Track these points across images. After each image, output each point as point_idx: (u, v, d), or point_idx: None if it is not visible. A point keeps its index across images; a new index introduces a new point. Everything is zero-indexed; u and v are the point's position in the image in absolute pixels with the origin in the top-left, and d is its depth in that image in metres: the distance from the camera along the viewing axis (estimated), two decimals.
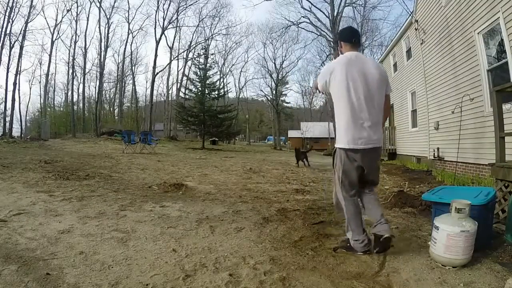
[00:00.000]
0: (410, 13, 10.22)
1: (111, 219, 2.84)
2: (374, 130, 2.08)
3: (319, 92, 2.29)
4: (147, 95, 38.71)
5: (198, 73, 21.83)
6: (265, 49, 63.13)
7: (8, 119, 21.31)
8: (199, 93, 20.90)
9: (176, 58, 33.13)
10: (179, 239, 2.37)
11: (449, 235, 1.89)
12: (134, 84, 37.06)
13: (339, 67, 2.08)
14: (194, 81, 22.60)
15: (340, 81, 2.05)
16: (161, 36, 29.38)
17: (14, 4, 20.74)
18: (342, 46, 2.25)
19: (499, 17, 4.92)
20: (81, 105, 31.82)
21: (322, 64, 33.43)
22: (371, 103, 2.07)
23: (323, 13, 25.79)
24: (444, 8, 7.08)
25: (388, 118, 13.36)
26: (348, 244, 2.20)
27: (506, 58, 4.83)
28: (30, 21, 23.30)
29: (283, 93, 43.02)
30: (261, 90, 52.88)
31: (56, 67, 45.26)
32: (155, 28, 29.57)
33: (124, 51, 32.96)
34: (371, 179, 2.25)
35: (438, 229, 1.95)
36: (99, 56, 27.43)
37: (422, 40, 8.69)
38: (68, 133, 25.45)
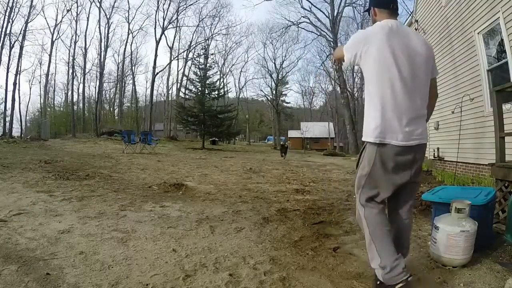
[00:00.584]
0: (410, 13, 10.22)
1: (111, 219, 2.84)
2: (417, 122, 1.57)
3: (342, 64, 1.74)
4: (147, 95, 38.81)
5: (198, 73, 21.87)
6: (265, 49, 63.19)
7: (8, 119, 21.41)
8: (199, 93, 20.92)
9: (176, 58, 33.27)
10: (179, 239, 2.37)
11: (449, 235, 1.89)
12: (134, 84, 37.17)
13: (377, 37, 1.55)
14: (194, 81, 22.63)
15: (377, 56, 1.53)
16: (161, 36, 29.46)
17: (14, 4, 20.81)
18: (377, 14, 1.72)
19: (499, 17, 4.92)
20: (81, 105, 31.87)
21: (322, 64, 33.39)
22: (417, 89, 1.57)
23: (323, 13, 25.90)
24: (444, 8, 7.08)
25: None
26: (378, 282, 1.56)
27: (506, 58, 4.83)
28: (30, 21, 23.33)
29: (283, 93, 43.17)
30: (261, 90, 52.98)
31: (56, 67, 45.18)
32: (155, 28, 29.67)
33: (124, 51, 33.08)
34: (409, 190, 1.70)
35: (438, 229, 1.95)
36: (99, 56, 27.54)
37: None
38: (68, 133, 25.44)
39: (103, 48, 26.47)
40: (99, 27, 25.92)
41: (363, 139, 1.64)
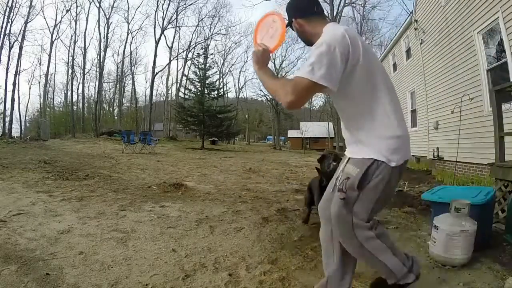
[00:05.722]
0: (409, 13, 10.22)
1: (111, 219, 2.83)
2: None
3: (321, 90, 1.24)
4: (146, 95, 38.72)
5: (198, 73, 21.87)
6: None
7: (7, 119, 21.25)
8: (198, 93, 20.91)
9: (176, 58, 33.12)
10: (179, 239, 2.37)
11: (449, 235, 1.89)
12: (133, 84, 36.99)
13: (358, 47, 1.21)
14: (193, 81, 22.63)
15: (370, 67, 1.26)
16: (160, 36, 29.36)
17: (14, 4, 20.71)
18: (307, 24, 1.37)
19: (498, 17, 4.93)
20: (80, 105, 31.76)
21: None
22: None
23: None
24: (443, 7, 7.09)
25: None
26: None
27: (506, 57, 4.84)
28: (30, 21, 23.34)
29: None
30: (261, 90, 52.58)
31: (55, 67, 45.19)
32: (154, 28, 29.54)
33: (124, 51, 32.92)
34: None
35: (437, 229, 1.95)
36: (98, 56, 27.41)
37: (421, 40, 8.69)
38: (67, 133, 25.37)
39: (102, 48, 26.39)
40: (99, 27, 25.90)
41: (371, 156, 1.26)
